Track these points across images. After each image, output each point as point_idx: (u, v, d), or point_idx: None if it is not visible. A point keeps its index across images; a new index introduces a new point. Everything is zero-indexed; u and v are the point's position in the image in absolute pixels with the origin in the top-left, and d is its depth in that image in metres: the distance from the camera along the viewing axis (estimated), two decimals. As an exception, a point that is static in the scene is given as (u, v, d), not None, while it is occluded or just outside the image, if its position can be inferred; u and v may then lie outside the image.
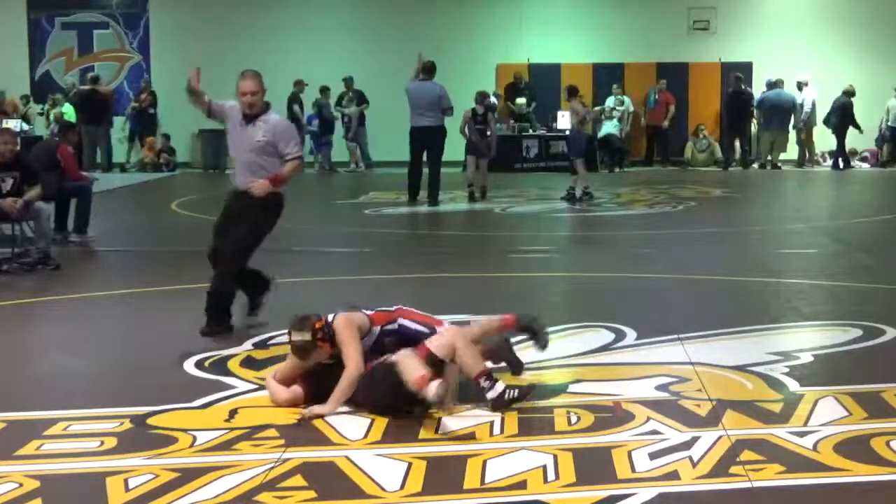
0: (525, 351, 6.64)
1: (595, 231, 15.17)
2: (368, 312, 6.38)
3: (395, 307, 6.53)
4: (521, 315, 6.58)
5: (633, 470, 5.05)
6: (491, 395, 5.95)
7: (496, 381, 6.02)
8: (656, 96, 26.34)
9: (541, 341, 6.49)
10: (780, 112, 25.77)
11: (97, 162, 25.04)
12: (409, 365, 5.83)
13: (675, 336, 7.68)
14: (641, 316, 8.45)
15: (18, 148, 12.14)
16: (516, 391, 6.01)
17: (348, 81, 25.64)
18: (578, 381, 6.65)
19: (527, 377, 6.45)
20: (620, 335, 7.79)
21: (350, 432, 5.65)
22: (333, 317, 6.23)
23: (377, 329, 6.30)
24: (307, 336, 6.06)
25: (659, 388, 6.43)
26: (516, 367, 6.43)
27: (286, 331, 6.29)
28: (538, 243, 13.30)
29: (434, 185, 17.61)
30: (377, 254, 12.65)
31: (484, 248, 13.13)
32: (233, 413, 6.07)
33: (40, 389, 6.66)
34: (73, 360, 6.82)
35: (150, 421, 5.92)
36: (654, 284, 10.32)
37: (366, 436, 5.61)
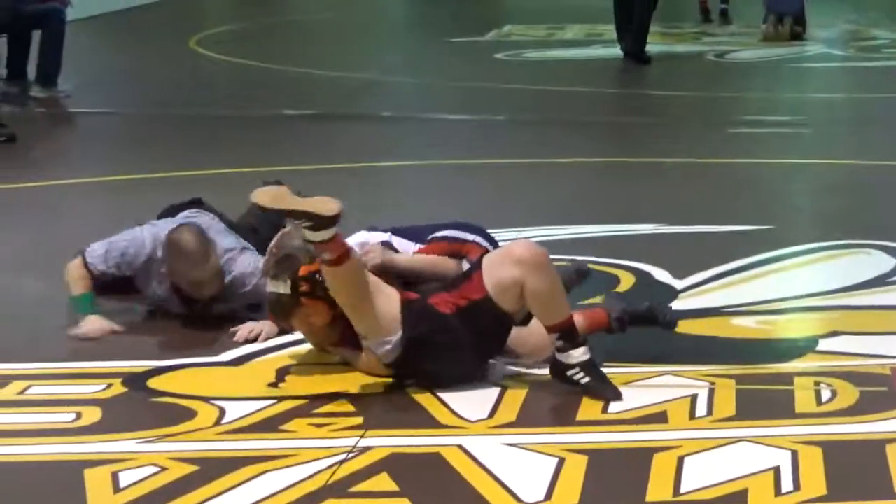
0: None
1: (862, 93, 14.97)
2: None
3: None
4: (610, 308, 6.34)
5: (922, 479, 5.01)
6: None
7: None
8: None
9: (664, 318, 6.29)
10: None
11: None
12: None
13: None
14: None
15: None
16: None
17: None
18: (834, 333, 6.62)
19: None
20: (904, 262, 7.74)
21: (467, 410, 5.64)
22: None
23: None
24: (284, 289, 5.97)
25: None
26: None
27: None
28: (775, 112, 13.19)
29: (639, 30, 17.05)
30: (516, 124, 12.66)
31: (692, 117, 13.11)
32: (282, 373, 6.14)
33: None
34: (28, 283, 6.94)
35: (151, 383, 6.02)
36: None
37: (491, 415, 5.61)
